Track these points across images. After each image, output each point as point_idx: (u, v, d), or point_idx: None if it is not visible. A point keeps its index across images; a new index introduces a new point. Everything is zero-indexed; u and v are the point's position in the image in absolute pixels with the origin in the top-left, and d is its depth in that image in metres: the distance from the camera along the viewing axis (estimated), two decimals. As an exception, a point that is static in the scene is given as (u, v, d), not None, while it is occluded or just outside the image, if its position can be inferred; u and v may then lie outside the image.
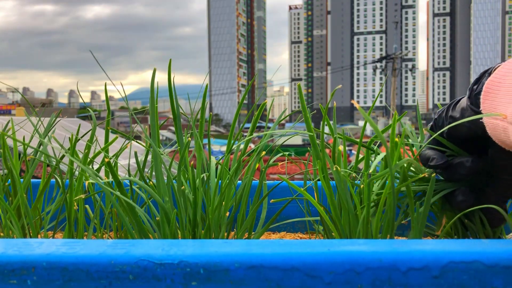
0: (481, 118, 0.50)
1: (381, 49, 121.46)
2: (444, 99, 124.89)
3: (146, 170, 0.67)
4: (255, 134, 0.66)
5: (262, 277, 0.36)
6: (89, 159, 0.66)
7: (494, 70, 0.52)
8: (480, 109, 0.50)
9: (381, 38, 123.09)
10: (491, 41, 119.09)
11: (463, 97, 0.56)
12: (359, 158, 0.65)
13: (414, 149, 0.67)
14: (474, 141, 0.56)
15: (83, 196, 0.60)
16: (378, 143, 0.67)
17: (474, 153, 0.56)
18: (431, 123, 0.60)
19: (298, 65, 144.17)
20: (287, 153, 0.73)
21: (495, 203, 0.55)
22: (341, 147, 0.62)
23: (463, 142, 0.57)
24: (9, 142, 0.71)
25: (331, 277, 0.35)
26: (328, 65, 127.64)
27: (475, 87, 0.53)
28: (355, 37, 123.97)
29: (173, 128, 0.64)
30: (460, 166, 0.54)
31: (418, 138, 0.69)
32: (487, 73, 0.53)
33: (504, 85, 0.47)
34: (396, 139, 0.54)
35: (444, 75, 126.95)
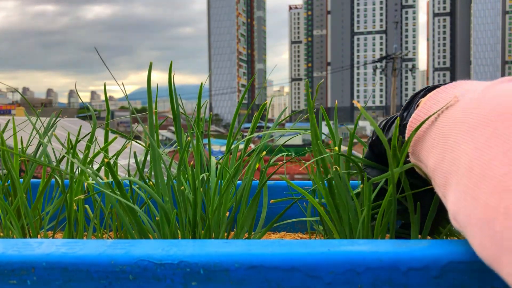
0: (408, 156, 0.51)
1: (381, 49, 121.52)
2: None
3: (145, 170, 0.67)
4: (255, 134, 0.66)
5: (262, 277, 0.36)
6: (88, 159, 0.66)
7: (423, 98, 0.51)
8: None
9: (381, 38, 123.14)
10: (491, 41, 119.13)
11: (394, 117, 0.56)
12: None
13: None
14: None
15: (82, 196, 0.60)
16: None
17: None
18: (369, 140, 0.60)
19: (298, 65, 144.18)
20: (285, 153, 0.73)
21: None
22: (336, 148, 0.62)
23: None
24: (9, 142, 0.71)
25: (331, 277, 0.35)
26: (328, 65, 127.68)
27: (404, 114, 0.53)
28: (355, 37, 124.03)
29: (173, 128, 0.64)
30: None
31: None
32: (416, 98, 0.53)
33: (423, 128, 0.47)
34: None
35: (444, 75, 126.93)
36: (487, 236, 0.32)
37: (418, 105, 0.52)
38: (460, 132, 0.39)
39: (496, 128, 0.34)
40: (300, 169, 0.72)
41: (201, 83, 0.68)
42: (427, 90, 0.53)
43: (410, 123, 0.50)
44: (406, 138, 0.50)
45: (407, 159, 0.51)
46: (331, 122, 0.64)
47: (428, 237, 0.64)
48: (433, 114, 0.46)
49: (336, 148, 0.59)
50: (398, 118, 0.53)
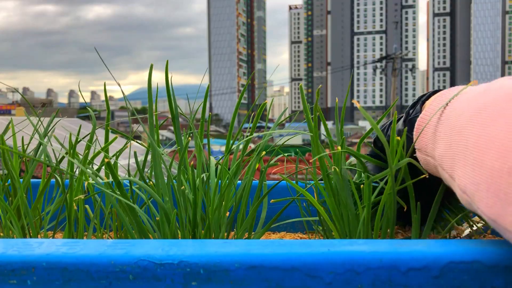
0: (415, 152, 0.54)
1: (381, 49, 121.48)
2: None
3: (146, 170, 0.67)
4: (255, 134, 0.66)
5: (262, 277, 0.36)
6: (88, 159, 0.66)
7: (429, 99, 0.55)
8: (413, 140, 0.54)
9: (381, 38, 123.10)
10: (491, 41, 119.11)
11: (402, 116, 0.60)
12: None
13: None
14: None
15: (82, 196, 0.60)
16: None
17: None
18: (374, 138, 0.63)
19: (298, 65, 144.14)
20: (287, 154, 0.73)
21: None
22: (339, 147, 0.62)
23: None
24: (9, 142, 0.71)
25: (331, 277, 0.35)
26: (328, 65, 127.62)
27: (411, 111, 0.57)
28: (355, 37, 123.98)
29: (173, 128, 0.64)
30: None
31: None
32: (422, 99, 0.57)
33: (430, 125, 0.50)
34: (398, 138, 0.54)
35: (444, 75, 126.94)
36: (493, 195, 0.34)
37: (424, 105, 0.55)
38: (466, 117, 0.41)
39: (503, 108, 0.37)
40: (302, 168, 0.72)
41: (208, 85, 0.68)
42: (433, 92, 0.56)
43: (418, 122, 0.53)
44: (414, 136, 0.54)
45: (414, 155, 0.54)
46: (331, 123, 0.64)
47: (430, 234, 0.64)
48: (440, 108, 0.49)
49: (339, 147, 0.59)
50: (405, 114, 0.57)
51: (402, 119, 0.59)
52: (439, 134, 0.47)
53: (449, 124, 0.45)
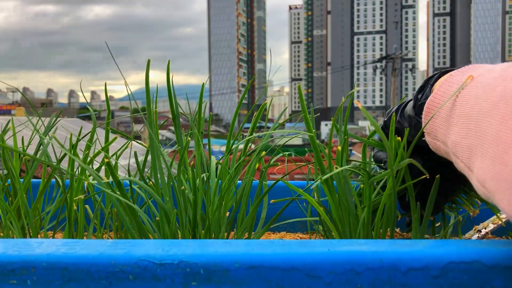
0: (423, 136, 0.52)
1: (381, 49, 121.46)
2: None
3: (146, 170, 0.67)
4: (255, 134, 0.66)
5: (262, 277, 0.36)
6: (89, 159, 0.66)
7: (436, 82, 0.53)
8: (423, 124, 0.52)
9: (381, 38, 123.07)
10: (491, 41, 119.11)
11: (410, 100, 0.58)
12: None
13: None
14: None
15: (82, 196, 0.60)
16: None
17: (419, 155, 0.57)
18: (381, 124, 0.61)
19: (298, 65, 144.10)
20: (287, 153, 0.73)
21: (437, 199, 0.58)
22: (339, 147, 0.62)
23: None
24: (9, 142, 0.71)
25: (331, 277, 0.35)
26: (328, 65, 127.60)
27: (419, 95, 0.55)
28: (355, 37, 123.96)
29: (173, 128, 0.64)
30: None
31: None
32: (430, 81, 0.55)
33: (442, 108, 0.49)
34: (398, 138, 0.54)
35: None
36: None
37: (433, 88, 0.54)
38: (483, 108, 0.41)
39: None
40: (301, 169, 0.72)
41: (202, 84, 0.68)
42: (441, 73, 0.54)
43: (427, 105, 0.52)
44: (423, 119, 0.52)
45: (422, 139, 0.53)
46: (330, 123, 0.64)
47: (427, 236, 0.64)
48: (452, 95, 0.47)
49: (340, 147, 0.59)
50: (413, 99, 0.55)
51: (411, 105, 0.57)
52: (452, 120, 0.46)
53: (464, 112, 0.44)
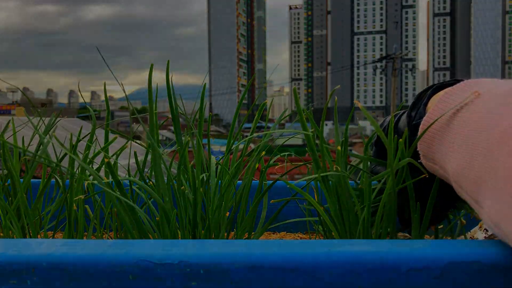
0: (419, 158, 0.50)
1: (381, 49, 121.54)
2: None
3: (146, 170, 0.67)
4: (255, 134, 0.66)
5: (262, 277, 0.35)
6: (88, 159, 0.66)
7: (430, 99, 0.50)
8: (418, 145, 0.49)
9: (381, 38, 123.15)
10: (491, 41, 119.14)
11: (404, 113, 0.55)
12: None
13: None
14: None
15: (82, 196, 0.60)
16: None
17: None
18: (375, 138, 0.60)
19: (298, 65, 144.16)
20: (286, 153, 0.73)
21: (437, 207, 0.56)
22: (339, 147, 0.62)
23: None
24: (9, 142, 0.71)
25: (331, 278, 0.35)
26: (328, 65, 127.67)
27: (412, 113, 0.52)
28: (355, 37, 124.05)
29: (173, 128, 0.64)
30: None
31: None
32: (423, 98, 0.52)
33: (439, 130, 0.45)
34: (401, 140, 0.53)
35: (444, 75, 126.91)
36: None
37: (426, 105, 0.51)
38: (491, 137, 0.37)
39: None
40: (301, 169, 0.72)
41: (204, 84, 0.68)
42: (434, 89, 0.51)
43: (422, 126, 0.48)
44: (418, 143, 0.49)
45: (419, 161, 0.50)
46: (330, 123, 0.64)
47: (427, 237, 0.64)
48: (449, 109, 0.44)
49: (339, 147, 0.59)
50: (406, 117, 0.53)
51: (404, 122, 0.54)
52: (452, 146, 0.42)
53: (467, 138, 0.40)
